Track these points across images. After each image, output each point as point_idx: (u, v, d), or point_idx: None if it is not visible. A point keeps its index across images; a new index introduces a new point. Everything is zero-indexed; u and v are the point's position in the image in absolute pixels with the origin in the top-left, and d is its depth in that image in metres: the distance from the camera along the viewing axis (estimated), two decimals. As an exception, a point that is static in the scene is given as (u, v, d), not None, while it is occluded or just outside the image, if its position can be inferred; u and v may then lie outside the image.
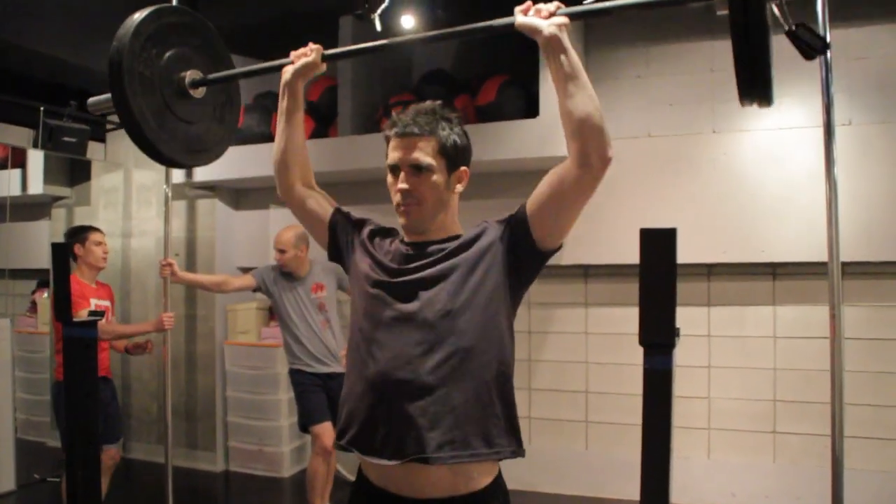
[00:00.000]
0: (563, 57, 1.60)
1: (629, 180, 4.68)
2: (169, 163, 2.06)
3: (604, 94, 4.81)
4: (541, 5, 1.64)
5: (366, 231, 1.91)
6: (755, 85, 1.28)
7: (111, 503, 4.12)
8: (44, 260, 6.18)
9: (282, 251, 4.18)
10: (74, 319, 1.78)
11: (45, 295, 6.43)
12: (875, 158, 4.19)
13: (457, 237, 1.78)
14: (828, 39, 1.30)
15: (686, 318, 4.58)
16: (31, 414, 6.33)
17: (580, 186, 1.66)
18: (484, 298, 1.68)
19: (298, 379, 4.21)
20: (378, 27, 4.52)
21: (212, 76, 2.09)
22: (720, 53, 4.56)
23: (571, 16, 1.64)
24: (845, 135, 4.12)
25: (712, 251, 4.46)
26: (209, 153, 2.19)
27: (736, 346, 4.56)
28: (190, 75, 2.01)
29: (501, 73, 4.75)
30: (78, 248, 4.11)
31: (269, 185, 5.64)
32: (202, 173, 5.38)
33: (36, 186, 6.18)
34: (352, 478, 1.80)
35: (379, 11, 4.49)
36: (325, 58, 1.93)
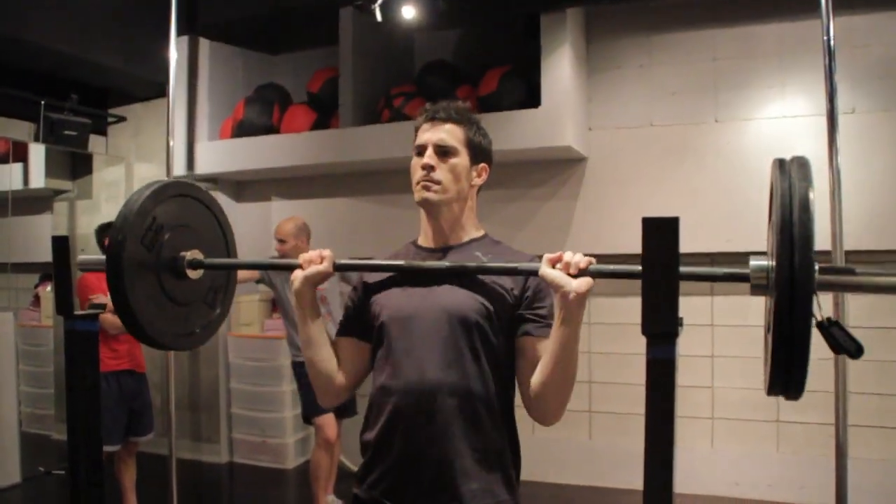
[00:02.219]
0: (568, 326, 1.54)
1: (632, 170, 4.68)
2: (161, 347, 1.94)
3: (606, 83, 4.81)
4: (569, 257, 1.53)
5: (363, 284, 1.85)
6: (789, 386, 1.27)
7: (115, 497, 4.14)
8: (46, 253, 6.14)
9: (282, 241, 4.18)
10: (75, 312, 1.77)
11: (49, 288, 6.44)
12: (878, 147, 4.18)
13: (476, 241, 1.81)
14: (850, 336, 1.29)
15: (689, 307, 4.57)
16: (35, 407, 6.34)
17: (523, 404, 1.72)
18: (500, 326, 1.70)
19: (301, 371, 4.20)
20: (378, 18, 4.52)
21: (211, 261, 1.97)
22: (723, 42, 4.54)
23: (600, 275, 1.55)
24: (849, 123, 4.10)
25: (715, 240, 4.45)
26: (197, 337, 2.05)
27: (739, 336, 4.55)
28: (190, 255, 1.89)
29: (503, 64, 4.73)
30: (107, 241, 4.17)
31: (271, 178, 5.67)
32: (203, 166, 5.38)
33: (38, 180, 6.17)
34: (355, 468, 1.80)
35: (379, 2, 4.48)
36: (336, 267, 1.77)
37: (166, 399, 4.14)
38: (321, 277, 1.75)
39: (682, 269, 1.38)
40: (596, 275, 1.53)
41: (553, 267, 1.53)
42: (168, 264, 1.86)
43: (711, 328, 4.61)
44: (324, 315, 4.37)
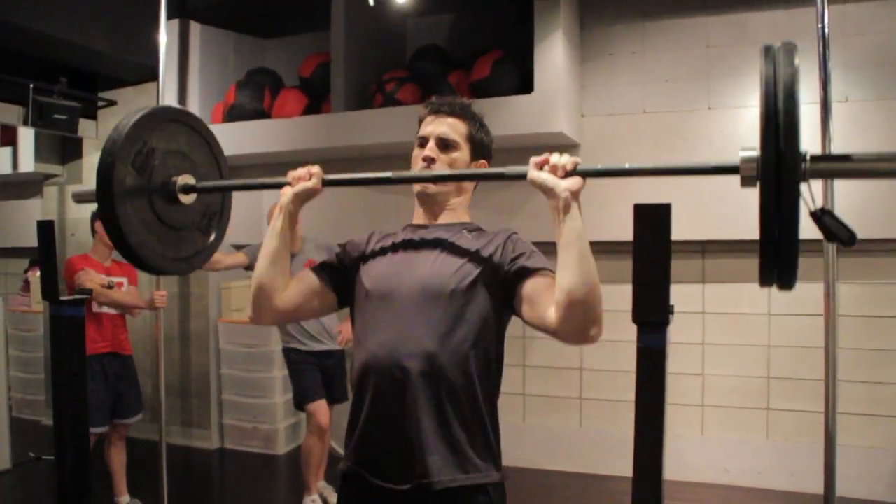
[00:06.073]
0: (569, 224, 1.51)
1: (624, 157, 4.66)
2: (153, 270, 1.92)
3: (599, 70, 4.79)
4: (557, 160, 1.53)
5: (357, 248, 1.87)
6: (781, 272, 1.24)
7: (105, 482, 4.14)
8: (36, 238, 6.15)
9: None
10: (61, 298, 1.76)
11: (39, 273, 6.41)
12: (871, 135, 4.17)
13: (464, 225, 1.81)
14: (843, 224, 1.27)
15: (680, 295, 4.56)
16: (25, 392, 6.33)
17: (548, 332, 1.59)
18: (482, 297, 1.68)
19: (293, 357, 4.20)
20: (371, 2, 4.48)
21: (203, 184, 1.96)
22: (716, 29, 4.53)
23: (588, 174, 1.54)
24: (842, 111, 4.10)
25: (707, 228, 4.45)
26: (189, 262, 2.03)
27: (730, 324, 4.56)
28: (182, 180, 1.89)
29: (495, 49, 4.70)
30: (98, 225, 4.16)
31: (263, 163, 5.63)
32: (194, 151, 5.34)
33: (27, 164, 6.13)
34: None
35: (372, -14, 4.44)
36: (325, 183, 1.82)
37: (156, 385, 4.13)
38: (309, 194, 1.79)
39: (671, 164, 1.38)
40: (584, 174, 1.52)
41: (541, 170, 1.54)
42: (160, 188, 1.86)
43: (702, 315, 4.62)
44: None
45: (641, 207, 1.28)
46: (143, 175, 1.81)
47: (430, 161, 1.75)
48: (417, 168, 1.78)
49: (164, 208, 1.87)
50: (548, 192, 1.51)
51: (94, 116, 5.89)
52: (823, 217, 1.27)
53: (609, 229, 4.61)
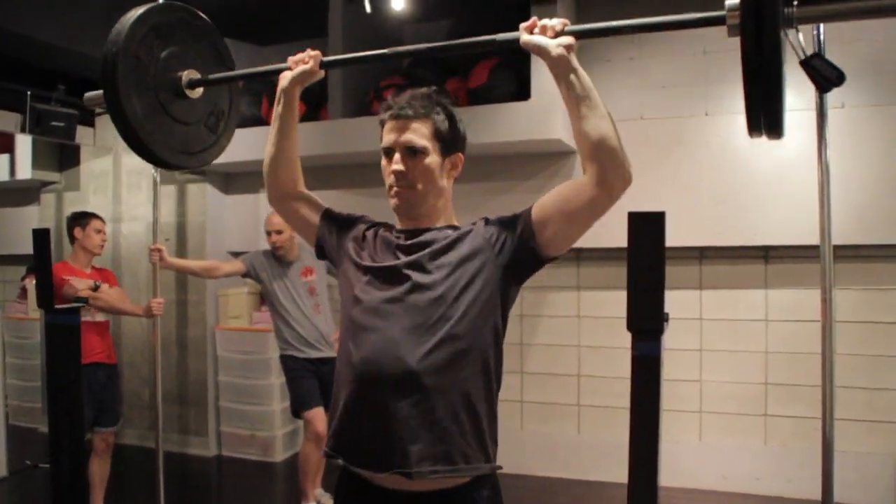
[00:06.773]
0: (572, 77, 1.54)
1: (621, 163, 4.67)
2: (165, 165, 2.00)
3: (596, 76, 4.76)
4: (546, 21, 1.57)
5: (360, 227, 1.86)
6: (767, 119, 1.23)
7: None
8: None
9: (279, 232, 4.15)
10: (56, 306, 1.76)
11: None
12: (867, 141, 4.18)
13: (452, 227, 1.76)
14: (831, 65, 1.25)
15: (678, 301, 4.57)
16: (22, 400, 6.31)
17: (595, 205, 1.59)
18: (476, 294, 1.64)
19: (290, 365, 4.19)
20: (368, 9, 4.49)
21: (209, 77, 2.05)
22: (713, 35, 4.51)
23: (577, 34, 1.57)
24: (838, 118, 4.10)
25: (704, 234, 4.45)
26: (198, 157, 2.12)
27: (727, 330, 4.56)
28: (187, 74, 1.97)
29: (493, 56, 4.71)
30: (77, 231, 4.12)
31: (259, 170, 5.61)
32: (192, 157, 5.34)
33: (24, 172, 6.14)
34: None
35: (369, -7, 4.45)
36: (323, 65, 1.87)
37: (154, 392, 4.12)
38: (307, 76, 1.86)
39: (657, 19, 1.38)
40: (574, 34, 1.57)
41: (531, 34, 1.58)
42: (166, 82, 1.93)
43: (700, 322, 4.61)
44: (312, 306, 4.36)
45: (636, 216, 1.27)
46: (149, 68, 1.86)
47: (400, 175, 1.69)
48: (389, 182, 1.72)
49: (170, 102, 1.94)
50: (541, 52, 1.56)
51: (91, 124, 5.89)
52: (813, 61, 1.26)
53: (607, 236, 4.62)
